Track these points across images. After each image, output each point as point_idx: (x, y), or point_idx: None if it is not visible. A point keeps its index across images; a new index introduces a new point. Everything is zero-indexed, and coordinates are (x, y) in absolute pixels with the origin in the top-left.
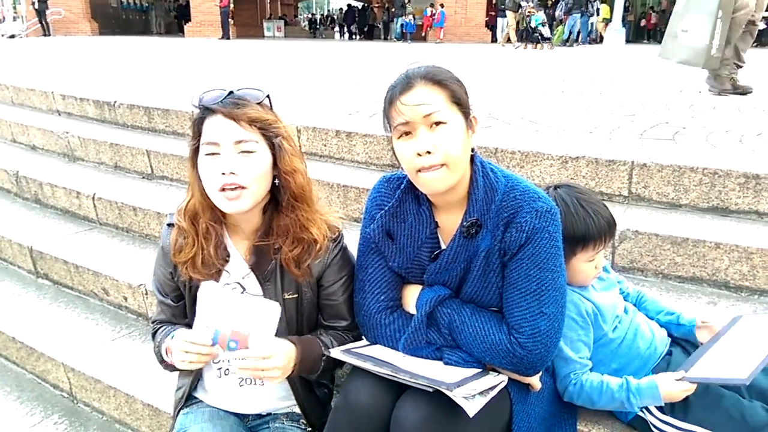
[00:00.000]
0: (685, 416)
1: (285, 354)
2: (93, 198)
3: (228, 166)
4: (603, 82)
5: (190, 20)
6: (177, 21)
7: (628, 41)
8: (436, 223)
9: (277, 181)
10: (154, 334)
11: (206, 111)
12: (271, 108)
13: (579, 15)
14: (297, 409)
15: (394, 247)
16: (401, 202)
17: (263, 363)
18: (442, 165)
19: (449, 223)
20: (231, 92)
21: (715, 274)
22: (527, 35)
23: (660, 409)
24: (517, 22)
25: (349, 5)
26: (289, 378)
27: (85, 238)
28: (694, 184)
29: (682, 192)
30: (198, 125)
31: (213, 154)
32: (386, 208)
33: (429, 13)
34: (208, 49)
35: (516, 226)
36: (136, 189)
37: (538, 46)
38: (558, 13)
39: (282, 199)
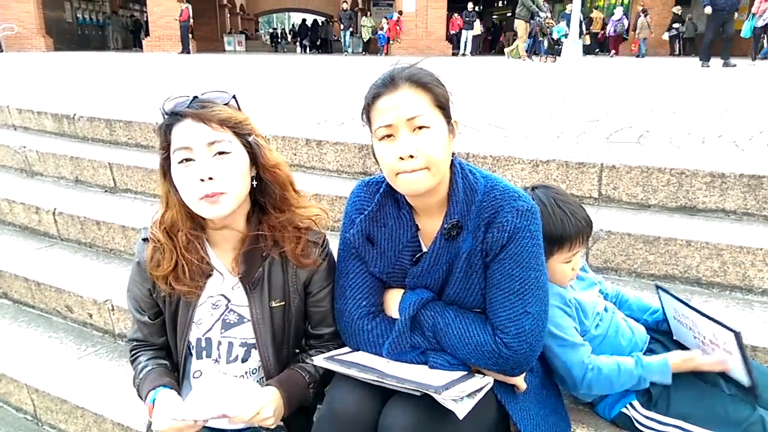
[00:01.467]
0: (668, 410)
1: (271, 401)
2: (53, 213)
3: (204, 171)
4: (565, 91)
5: (147, 35)
6: (134, 36)
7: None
8: (417, 226)
9: (255, 183)
10: (133, 360)
11: (174, 117)
12: (238, 109)
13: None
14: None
15: (375, 251)
16: (381, 206)
17: (254, 420)
18: (424, 168)
19: (430, 226)
20: (196, 97)
21: (687, 271)
22: (549, 47)
23: (643, 404)
24: (530, 33)
25: (303, 20)
26: None
27: (46, 255)
28: (662, 184)
29: (651, 192)
30: (166, 133)
31: (187, 160)
32: (366, 212)
33: (395, 17)
34: (169, 63)
35: (497, 226)
36: (99, 203)
37: (552, 59)
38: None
39: (270, 195)
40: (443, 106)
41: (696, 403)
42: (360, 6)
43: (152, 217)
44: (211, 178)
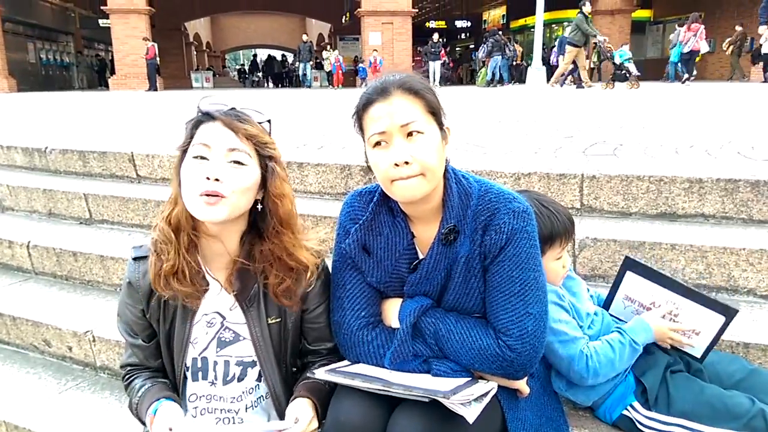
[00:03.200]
0: (669, 410)
1: (305, 412)
2: (27, 246)
3: (214, 171)
4: (535, 112)
5: (113, 74)
6: (99, 75)
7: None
8: (413, 234)
9: (260, 206)
10: (128, 385)
11: (206, 116)
12: (269, 133)
13: (500, 57)
14: None
15: (372, 261)
16: (375, 214)
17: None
18: (419, 174)
19: (425, 233)
20: (234, 108)
21: (673, 275)
22: (613, 73)
23: (644, 404)
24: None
25: (254, 55)
26: (276, 407)
27: (21, 290)
28: (642, 191)
29: (631, 200)
30: (192, 128)
31: (202, 157)
32: (361, 221)
33: (374, 59)
34: (137, 100)
35: (495, 228)
36: (75, 235)
37: (611, 84)
38: (480, 55)
39: (267, 224)
40: (435, 113)
41: (696, 400)
42: (326, 41)
43: (161, 212)
44: (217, 180)
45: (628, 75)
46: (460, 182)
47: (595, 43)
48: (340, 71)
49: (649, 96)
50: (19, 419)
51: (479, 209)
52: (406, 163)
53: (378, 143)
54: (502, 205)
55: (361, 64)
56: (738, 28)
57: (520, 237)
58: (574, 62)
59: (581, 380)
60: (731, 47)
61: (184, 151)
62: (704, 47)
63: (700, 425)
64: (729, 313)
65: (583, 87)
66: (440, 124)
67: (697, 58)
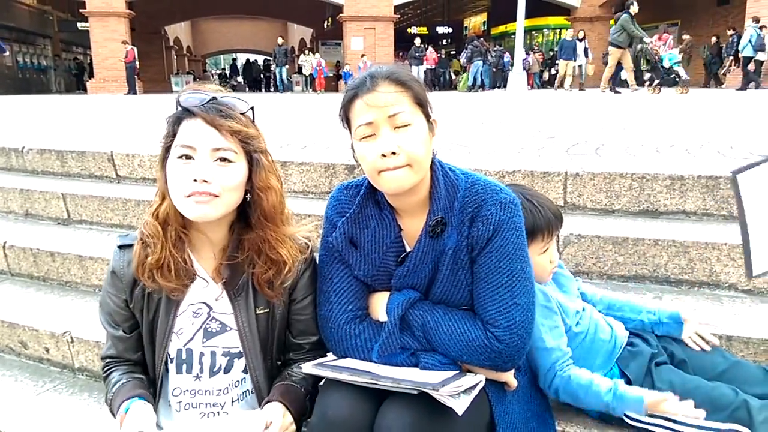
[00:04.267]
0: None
1: (279, 415)
2: (3, 247)
3: (201, 173)
4: (516, 115)
5: (92, 77)
6: (77, 79)
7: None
8: (400, 227)
9: (248, 197)
10: (106, 377)
11: (186, 112)
12: (253, 120)
13: (480, 63)
14: None
15: (359, 254)
16: (362, 208)
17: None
18: (406, 165)
19: (412, 226)
20: (214, 97)
21: (656, 270)
22: (655, 76)
23: None
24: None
25: (234, 59)
26: (261, 402)
27: None
28: (625, 189)
29: (614, 198)
30: (174, 125)
31: (187, 157)
32: (347, 214)
33: (363, 65)
34: (116, 103)
35: (482, 220)
36: (53, 235)
37: (658, 89)
38: (462, 60)
39: (252, 215)
40: (422, 104)
41: (680, 392)
42: (308, 45)
43: (149, 206)
44: (205, 181)
45: (678, 79)
46: (447, 174)
47: (640, 47)
48: (322, 75)
49: (626, 101)
50: None
51: (466, 201)
52: (394, 153)
53: (365, 136)
54: (489, 196)
55: (346, 68)
56: (686, 37)
57: (507, 228)
58: (618, 64)
59: (541, 383)
60: (681, 55)
61: (167, 148)
62: (673, 56)
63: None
64: None
65: (619, 92)
66: (427, 116)
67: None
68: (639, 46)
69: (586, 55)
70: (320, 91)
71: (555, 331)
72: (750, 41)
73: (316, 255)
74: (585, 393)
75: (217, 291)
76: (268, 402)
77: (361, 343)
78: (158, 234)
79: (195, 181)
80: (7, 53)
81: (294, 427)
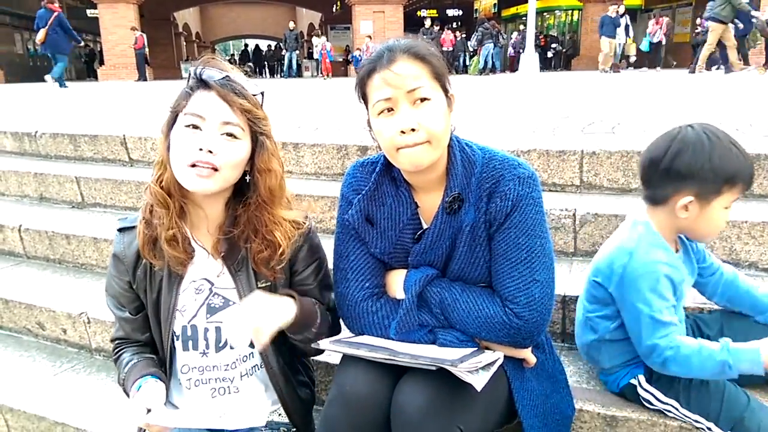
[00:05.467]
0: (667, 391)
1: (275, 301)
2: (19, 230)
3: (208, 143)
4: (531, 96)
5: (102, 64)
6: (87, 66)
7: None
8: (416, 203)
9: (247, 177)
10: (117, 359)
11: (201, 83)
12: (262, 106)
13: (492, 45)
14: (276, 418)
15: (375, 232)
16: (378, 185)
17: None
18: (425, 142)
19: (429, 202)
20: (227, 77)
21: None
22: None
23: (647, 379)
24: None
25: (245, 45)
26: (271, 377)
27: (13, 273)
28: None
29: (632, 177)
30: (186, 95)
31: (195, 127)
32: (363, 192)
33: (366, 48)
34: (127, 89)
35: (500, 195)
36: (67, 218)
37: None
38: (472, 43)
39: (250, 196)
40: (441, 79)
41: (696, 390)
42: (316, 30)
43: (152, 175)
44: (210, 152)
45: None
46: (464, 150)
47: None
48: (327, 60)
49: (638, 81)
50: (14, 402)
51: (484, 176)
52: (413, 130)
53: (383, 110)
54: (507, 171)
55: (356, 53)
56: (663, 19)
57: (526, 203)
58: (719, 42)
59: (646, 359)
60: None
61: (176, 115)
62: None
63: (690, 413)
64: None
65: (732, 70)
66: (446, 91)
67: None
68: (755, 21)
69: (627, 33)
70: (326, 76)
71: (670, 308)
72: None
73: (329, 238)
74: (698, 357)
75: (217, 267)
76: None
77: (379, 320)
78: (167, 202)
79: (200, 150)
80: (82, 43)
81: (295, 313)
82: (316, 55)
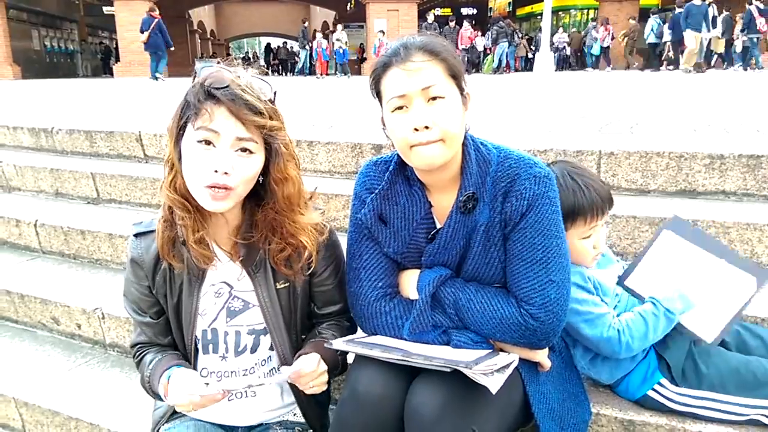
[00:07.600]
0: (700, 384)
1: (311, 361)
2: (35, 225)
3: (224, 164)
4: (546, 95)
5: (118, 61)
6: (104, 63)
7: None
8: (430, 203)
9: (260, 179)
10: (138, 362)
11: (209, 96)
12: (273, 101)
13: (506, 44)
14: (290, 417)
15: (388, 231)
16: (392, 184)
17: (316, 372)
18: (439, 140)
19: (443, 202)
20: (237, 85)
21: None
22: None
23: (672, 381)
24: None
25: (267, 44)
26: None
27: (29, 268)
28: (661, 168)
29: (650, 177)
30: (195, 106)
31: (208, 143)
32: (376, 191)
33: (379, 44)
34: (143, 86)
35: (516, 194)
36: (82, 213)
37: None
38: (486, 42)
39: (267, 201)
40: (457, 77)
41: (724, 372)
42: (331, 28)
43: (164, 178)
44: (226, 173)
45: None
46: (479, 149)
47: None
48: (322, 58)
49: (657, 81)
50: (29, 396)
51: (499, 176)
52: (427, 128)
53: (397, 108)
54: (523, 170)
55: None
56: (632, 22)
57: (542, 203)
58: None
59: (613, 354)
60: (626, 39)
61: (184, 125)
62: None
63: (730, 396)
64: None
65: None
66: (461, 89)
67: None
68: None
69: (715, 25)
70: (321, 76)
71: (594, 301)
72: None
73: (342, 236)
74: (645, 323)
75: (236, 270)
76: (300, 355)
77: (392, 320)
78: (186, 207)
79: (216, 171)
80: (173, 48)
81: (326, 376)
82: (329, 53)
